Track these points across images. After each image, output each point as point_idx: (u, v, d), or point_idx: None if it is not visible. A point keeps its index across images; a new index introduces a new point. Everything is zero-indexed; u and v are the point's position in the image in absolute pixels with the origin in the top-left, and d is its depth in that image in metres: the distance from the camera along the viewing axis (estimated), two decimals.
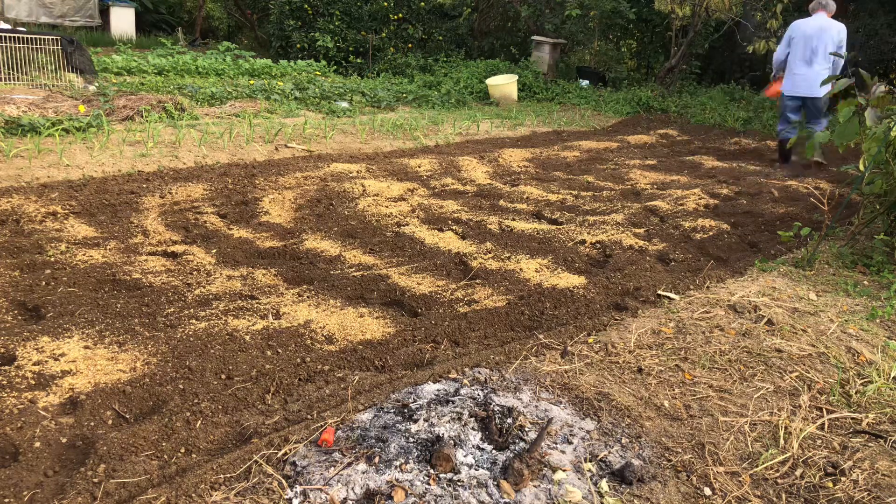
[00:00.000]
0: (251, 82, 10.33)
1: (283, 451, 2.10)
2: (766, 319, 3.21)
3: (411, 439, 2.15)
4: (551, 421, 2.30)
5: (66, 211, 4.46)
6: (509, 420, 2.30)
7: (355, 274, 3.72)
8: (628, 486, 2.05)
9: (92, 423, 2.31)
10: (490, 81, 11.82)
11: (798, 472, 2.20)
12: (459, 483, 1.98)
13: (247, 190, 5.27)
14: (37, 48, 8.26)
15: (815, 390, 2.70)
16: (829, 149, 6.62)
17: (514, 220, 5.01)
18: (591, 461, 2.14)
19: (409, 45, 14.69)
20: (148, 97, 7.92)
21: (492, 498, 1.94)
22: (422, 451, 2.10)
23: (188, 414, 2.36)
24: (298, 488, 1.94)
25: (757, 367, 2.82)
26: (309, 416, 2.35)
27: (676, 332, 3.09)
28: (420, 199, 5.41)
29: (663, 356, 2.88)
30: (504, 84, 11.63)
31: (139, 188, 4.97)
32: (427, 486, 1.95)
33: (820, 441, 2.38)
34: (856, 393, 2.70)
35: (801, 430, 2.41)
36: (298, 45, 13.99)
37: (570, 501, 1.95)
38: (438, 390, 2.46)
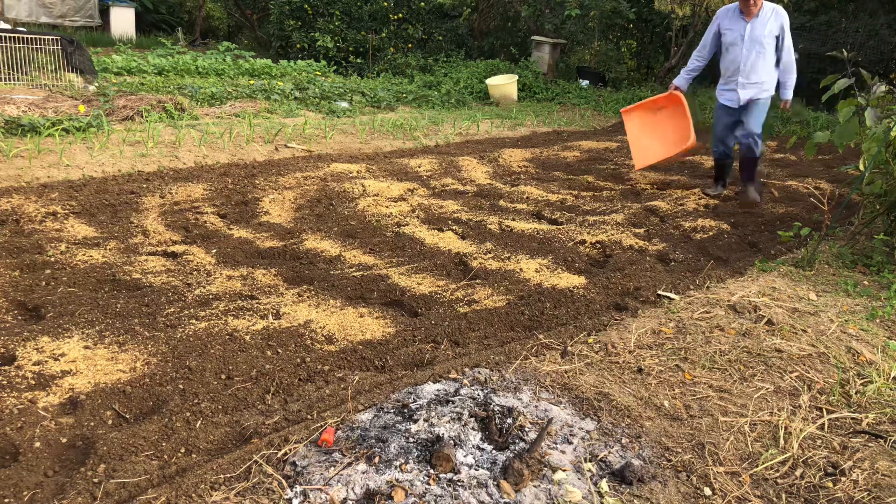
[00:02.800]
0: (251, 82, 10.33)
1: (283, 452, 2.10)
2: (766, 319, 3.21)
3: (411, 439, 2.15)
4: (551, 421, 2.30)
5: (66, 211, 4.46)
6: (509, 420, 2.30)
7: (355, 274, 3.72)
8: (628, 486, 2.05)
9: (92, 423, 2.31)
10: (490, 81, 11.82)
11: (798, 472, 2.20)
12: (459, 483, 1.98)
13: (247, 190, 5.27)
14: (37, 48, 8.26)
15: (815, 390, 2.70)
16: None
17: (514, 220, 5.01)
18: (591, 461, 2.14)
19: (409, 45, 14.69)
20: (148, 97, 7.91)
21: (492, 498, 1.94)
22: (422, 451, 2.10)
23: (188, 414, 2.36)
24: (298, 488, 1.94)
25: (757, 367, 2.82)
26: (309, 416, 2.35)
27: (676, 332, 3.09)
28: (420, 199, 5.41)
29: (663, 356, 2.87)
30: (504, 84, 11.62)
31: (139, 188, 4.97)
32: (427, 486, 1.95)
33: (820, 441, 2.38)
34: (856, 393, 2.70)
35: (801, 430, 2.41)
36: (298, 45, 13.99)
37: (570, 501, 1.95)
38: (438, 390, 2.46)
